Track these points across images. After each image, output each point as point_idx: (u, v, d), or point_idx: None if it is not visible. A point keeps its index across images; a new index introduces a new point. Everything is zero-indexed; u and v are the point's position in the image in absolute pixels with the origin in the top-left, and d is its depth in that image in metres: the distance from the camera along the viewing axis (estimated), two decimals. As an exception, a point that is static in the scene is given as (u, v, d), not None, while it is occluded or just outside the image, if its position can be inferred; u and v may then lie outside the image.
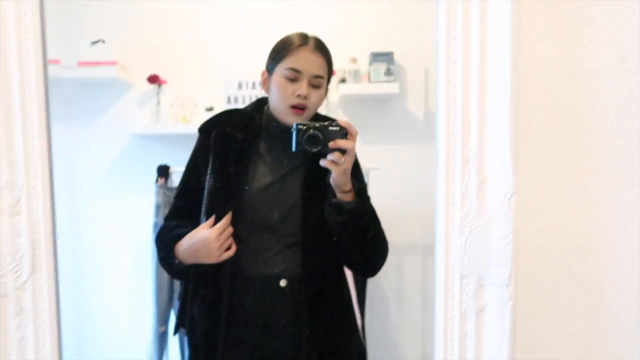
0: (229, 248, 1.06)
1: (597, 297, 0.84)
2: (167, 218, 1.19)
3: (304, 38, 1.10)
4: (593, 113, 0.83)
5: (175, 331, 1.22)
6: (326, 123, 1.02)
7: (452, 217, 0.78)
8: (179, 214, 1.17)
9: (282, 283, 1.08)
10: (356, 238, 1.06)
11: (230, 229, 1.07)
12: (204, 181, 1.12)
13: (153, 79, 2.14)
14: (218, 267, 1.07)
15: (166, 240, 1.13)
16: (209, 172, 1.13)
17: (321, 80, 1.10)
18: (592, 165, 0.84)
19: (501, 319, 0.79)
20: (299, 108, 1.08)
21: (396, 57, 2.12)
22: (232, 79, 2.14)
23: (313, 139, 0.99)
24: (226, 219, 1.06)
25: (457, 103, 0.77)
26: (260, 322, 1.08)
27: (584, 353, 0.84)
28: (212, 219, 1.07)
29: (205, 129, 1.16)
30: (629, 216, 0.83)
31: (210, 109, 2.13)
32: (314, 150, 0.99)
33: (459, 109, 0.78)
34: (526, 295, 0.83)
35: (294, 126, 1.01)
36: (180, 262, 1.10)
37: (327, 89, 1.14)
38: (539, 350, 0.84)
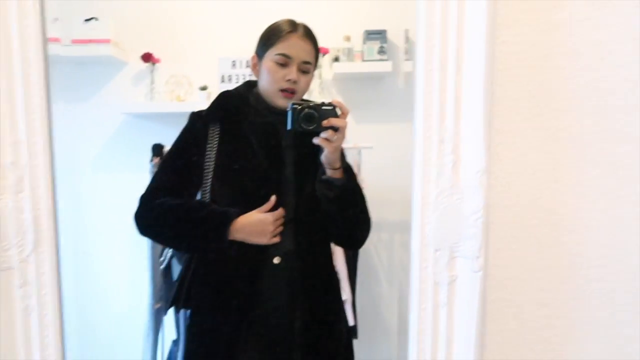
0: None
1: (566, 269, 0.89)
2: (156, 194, 1.16)
3: (293, 25, 1.13)
4: (566, 95, 0.86)
5: (169, 307, 1.26)
6: (319, 102, 1.05)
7: (428, 194, 0.82)
8: (168, 191, 1.15)
9: (276, 260, 1.12)
10: (345, 212, 1.12)
11: (282, 217, 1.11)
12: (200, 161, 1.14)
13: (147, 57, 2.14)
14: (228, 247, 1.10)
15: (215, 218, 1.10)
16: (212, 154, 1.14)
17: (309, 66, 1.14)
18: (563, 144, 0.87)
19: (471, 289, 0.84)
20: (288, 92, 1.12)
21: (389, 36, 2.13)
22: (226, 57, 2.15)
23: (309, 117, 1.03)
24: (280, 210, 1.10)
25: (435, 87, 0.80)
26: (258, 298, 1.13)
27: (552, 321, 0.90)
28: (270, 203, 1.10)
29: (212, 114, 1.17)
30: (598, 193, 0.87)
31: (204, 88, 2.15)
32: (310, 128, 1.02)
33: (436, 92, 0.81)
34: (497, 267, 0.87)
35: (290, 106, 1.05)
36: (226, 241, 1.08)
37: (313, 75, 1.18)
38: (509, 319, 0.89)
